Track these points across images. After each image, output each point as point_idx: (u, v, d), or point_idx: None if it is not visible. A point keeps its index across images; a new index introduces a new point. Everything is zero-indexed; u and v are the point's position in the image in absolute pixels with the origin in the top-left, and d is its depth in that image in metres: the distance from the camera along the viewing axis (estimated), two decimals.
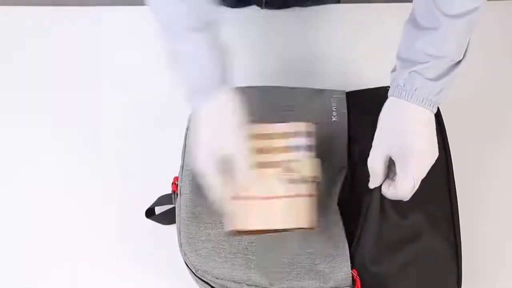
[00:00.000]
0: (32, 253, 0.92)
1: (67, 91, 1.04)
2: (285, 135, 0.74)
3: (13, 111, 1.02)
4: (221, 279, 0.76)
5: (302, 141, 0.74)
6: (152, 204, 0.90)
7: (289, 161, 0.73)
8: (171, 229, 0.90)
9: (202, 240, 0.78)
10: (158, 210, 0.92)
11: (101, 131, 1.00)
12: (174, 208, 0.87)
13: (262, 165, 0.73)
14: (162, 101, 1.02)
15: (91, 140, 0.99)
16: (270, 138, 0.74)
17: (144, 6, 1.11)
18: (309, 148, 0.75)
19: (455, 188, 0.81)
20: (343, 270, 0.76)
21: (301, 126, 0.75)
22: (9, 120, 1.02)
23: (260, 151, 0.73)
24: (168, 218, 0.90)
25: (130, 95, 1.03)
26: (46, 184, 0.96)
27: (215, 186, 0.72)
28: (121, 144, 0.98)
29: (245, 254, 0.78)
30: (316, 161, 0.75)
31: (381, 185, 0.76)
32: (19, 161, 0.98)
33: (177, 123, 0.93)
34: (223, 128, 0.71)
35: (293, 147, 0.74)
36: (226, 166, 0.71)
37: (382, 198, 0.76)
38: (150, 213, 0.91)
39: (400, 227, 0.76)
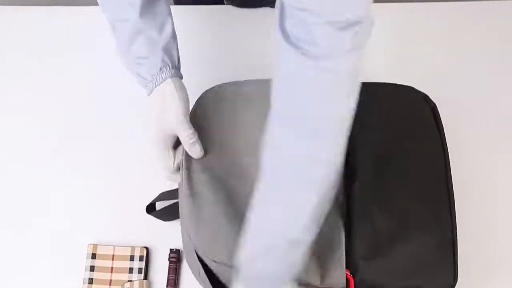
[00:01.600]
0: (33, 252, 0.93)
1: (68, 90, 1.04)
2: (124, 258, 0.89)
3: (13, 110, 1.03)
4: (219, 263, 0.76)
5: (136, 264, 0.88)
6: (153, 200, 0.90)
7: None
8: (172, 224, 0.90)
9: (203, 219, 0.78)
10: (159, 206, 0.92)
11: (102, 127, 1.00)
12: (174, 204, 0.88)
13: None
14: None
15: (92, 136, 1.00)
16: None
17: None
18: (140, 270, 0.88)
19: (452, 184, 0.81)
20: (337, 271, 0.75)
21: (136, 251, 0.89)
22: (9, 120, 1.02)
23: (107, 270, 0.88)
24: (168, 214, 0.90)
25: (131, 91, 1.03)
26: (47, 180, 0.97)
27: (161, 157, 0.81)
28: (122, 140, 0.99)
29: None
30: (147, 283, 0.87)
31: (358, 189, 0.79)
32: (20, 161, 0.99)
33: None
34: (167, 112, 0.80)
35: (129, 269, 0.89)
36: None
37: (365, 199, 0.78)
38: (150, 209, 0.91)
39: (393, 224, 0.77)
